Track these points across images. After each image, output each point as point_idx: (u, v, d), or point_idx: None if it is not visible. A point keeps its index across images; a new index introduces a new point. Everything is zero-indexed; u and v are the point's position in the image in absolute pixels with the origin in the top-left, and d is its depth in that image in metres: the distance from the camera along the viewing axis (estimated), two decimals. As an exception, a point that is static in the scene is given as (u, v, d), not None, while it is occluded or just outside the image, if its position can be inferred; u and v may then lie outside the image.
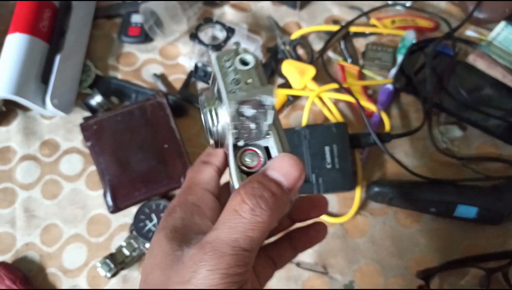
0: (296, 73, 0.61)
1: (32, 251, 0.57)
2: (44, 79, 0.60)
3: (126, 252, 0.55)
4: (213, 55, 0.27)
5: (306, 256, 0.55)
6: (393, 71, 0.63)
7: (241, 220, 0.22)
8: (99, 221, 0.58)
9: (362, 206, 0.57)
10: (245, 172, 0.27)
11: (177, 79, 0.66)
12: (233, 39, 0.63)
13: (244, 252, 0.22)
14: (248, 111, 0.25)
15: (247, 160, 0.27)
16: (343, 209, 0.57)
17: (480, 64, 0.62)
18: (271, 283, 0.54)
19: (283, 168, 0.24)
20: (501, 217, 0.53)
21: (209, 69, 0.63)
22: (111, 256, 0.55)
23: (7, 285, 0.53)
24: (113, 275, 0.55)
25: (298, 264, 0.55)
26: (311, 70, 0.61)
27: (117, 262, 0.55)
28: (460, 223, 0.55)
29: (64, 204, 0.60)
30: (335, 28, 0.67)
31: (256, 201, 0.23)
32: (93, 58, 0.68)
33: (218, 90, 0.27)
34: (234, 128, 0.25)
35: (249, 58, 0.27)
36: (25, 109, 0.64)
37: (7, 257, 0.57)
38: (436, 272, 0.53)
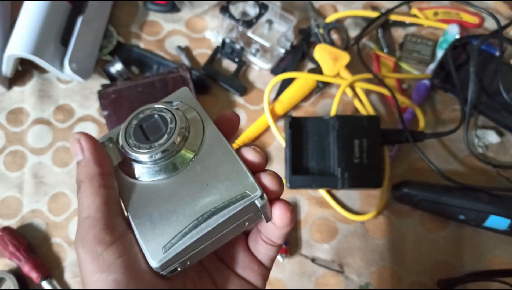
0: (329, 58, 0.58)
1: (39, 218, 0.55)
2: (64, 41, 0.57)
3: (135, 229, 0.53)
4: None
5: (323, 252, 0.52)
6: (432, 66, 0.60)
7: (78, 205, 0.27)
8: (109, 194, 0.56)
9: (386, 206, 0.54)
10: None
11: (202, 54, 0.63)
12: (265, 17, 0.59)
13: (87, 219, 0.25)
14: None
15: None
16: (365, 207, 0.54)
17: (526, 67, 0.58)
18: (283, 277, 0.51)
19: (72, 153, 0.29)
20: (535, 232, 0.50)
21: (237, 46, 0.60)
22: (120, 232, 0.53)
23: (10, 252, 0.51)
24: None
25: (313, 260, 0.52)
26: (345, 57, 0.57)
27: (126, 239, 0.53)
28: (489, 234, 0.52)
29: (75, 173, 0.57)
30: (374, 14, 0.63)
31: (76, 187, 0.27)
32: (116, 24, 0.65)
33: None
34: None
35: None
36: (41, 70, 0.61)
37: (13, 223, 0.55)
38: (459, 283, 0.50)
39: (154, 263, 0.25)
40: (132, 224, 0.26)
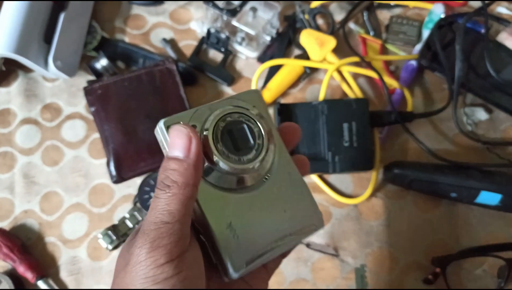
0: (316, 44, 0.57)
1: (31, 218, 0.55)
2: (47, 38, 0.57)
3: (129, 224, 0.53)
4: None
5: (317, 237, 0.53)
6: (418, 46, 0.60)
7: (157, 201, 0.25)
8: (102, 190, 0.56)
9: (379, 188, 0.54)
10: None
11: (188, 45, 0.63)
12: (249, 5, 0.59)
13: (166, 224, 0.25)
14: None
15: None
16: (358, 190, 0.54)
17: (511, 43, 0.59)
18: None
19: (172, 143, 0.26)
20: (526, 206, 0.50)
21: (222, 35, 0.59)
22: (114, 228, 0.53)
23: (4, 253, 0.51)
24: (115, 248, 0.53)
25: (308, 245, 0.52)
26: (331, 42, 0.57)
27: (120, 234, 0.53)
28: (481, 210, 0.52)
29: (66, 171, 0.57)
30: (358, -3, 0.62)
31: (162, 182, 0.26)
32: (100, 20, 0.64)
33: None
34: None
35: None
36: (26, 70, 0.61)
37: (5, 224, 0.55)
38: (453, 260, 0.50)
39: (235, 274, 0.28)
40: (214, 232, 0.27)
